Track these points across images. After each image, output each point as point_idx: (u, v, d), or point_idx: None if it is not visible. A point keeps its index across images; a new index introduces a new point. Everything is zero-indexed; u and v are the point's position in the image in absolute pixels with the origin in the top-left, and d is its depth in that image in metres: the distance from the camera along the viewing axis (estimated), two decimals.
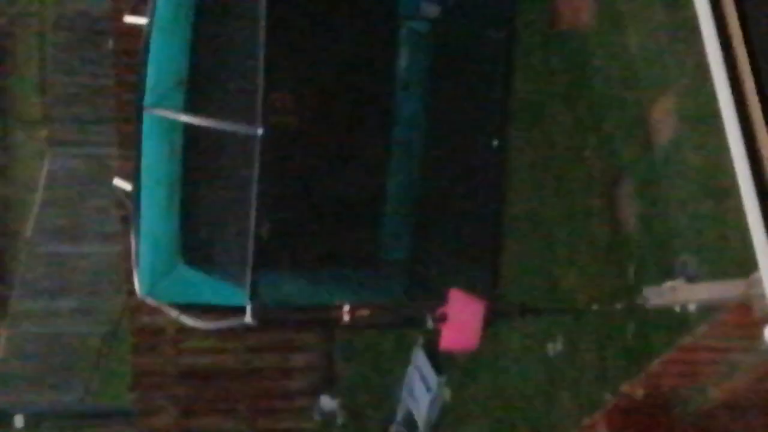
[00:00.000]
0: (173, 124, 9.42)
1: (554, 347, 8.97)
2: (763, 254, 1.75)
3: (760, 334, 5.67)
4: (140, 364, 11.21)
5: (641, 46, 8.59)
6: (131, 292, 9.86)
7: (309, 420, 11.25)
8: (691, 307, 7.61)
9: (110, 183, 10.46)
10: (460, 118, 9.59)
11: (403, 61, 9.52)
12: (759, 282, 4.98)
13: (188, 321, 9.40)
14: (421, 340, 9.87)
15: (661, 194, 8.26)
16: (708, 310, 7.31)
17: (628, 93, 8.72)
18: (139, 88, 9.52)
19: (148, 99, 9.40)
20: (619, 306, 8.30)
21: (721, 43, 2.36)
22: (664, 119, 8.19)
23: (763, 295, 5.13)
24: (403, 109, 9.57)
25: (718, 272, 7.14)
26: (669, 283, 7.73)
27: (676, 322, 7.77)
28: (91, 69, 13.40)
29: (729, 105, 2.18)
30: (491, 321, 9.00)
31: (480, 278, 9.30)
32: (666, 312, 7.88)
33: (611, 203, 8.69)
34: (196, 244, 9.55)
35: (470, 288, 9.05)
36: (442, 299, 8.99)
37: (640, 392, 7.36)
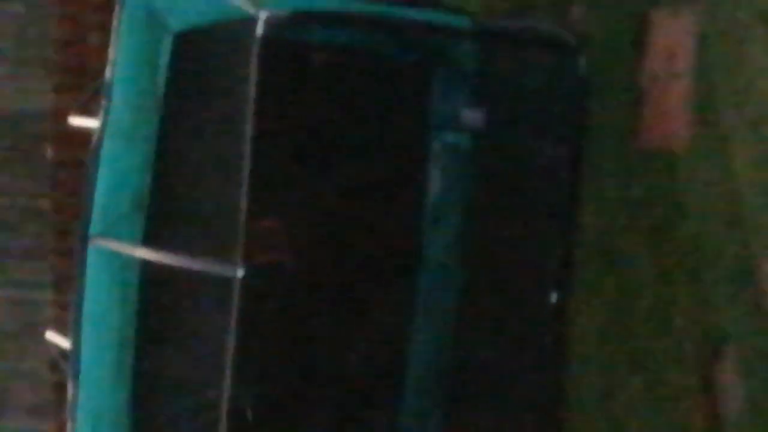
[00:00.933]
0: (127, 260, 8.42)
1: None
2: None
3: None
4: None
5: (754, 173, 8.00)
6: None
7: None
8: None
9: (42, 337, 9.43)
10: (507, 264, 8.36)
11: (435, 185, 8.35)
12: None
13: None
14: None
15: None
16: None
17: (733, 236, 8.02)
18: (84, 213, 8.51)
19: (95, 227, 8.35)
20: None
21: None
22: None
23: None
24: (433, 249, 8.32)
25: None
26: None
27: None
28: (25, 185, 12.64)
29: None
30: None
31: None
32: None
33: (708, 383, 8.07)
34: (150, 424, 8.39)
35: None
36: None
37: None
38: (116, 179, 8.37)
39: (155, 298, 8.54)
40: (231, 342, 7.46)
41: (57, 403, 10.07)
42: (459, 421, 8.54)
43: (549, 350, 8.35)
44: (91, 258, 8.37)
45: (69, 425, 8.59)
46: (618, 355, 8.70)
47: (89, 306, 8.38)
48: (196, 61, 8.40)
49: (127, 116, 8.38)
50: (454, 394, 8.52)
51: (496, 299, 8.53)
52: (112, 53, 8.43)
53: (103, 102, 8.33)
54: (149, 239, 8.38)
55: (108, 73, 8.37)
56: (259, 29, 7.55)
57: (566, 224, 8.37)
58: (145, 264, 8.37)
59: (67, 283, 9.46)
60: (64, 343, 8.68)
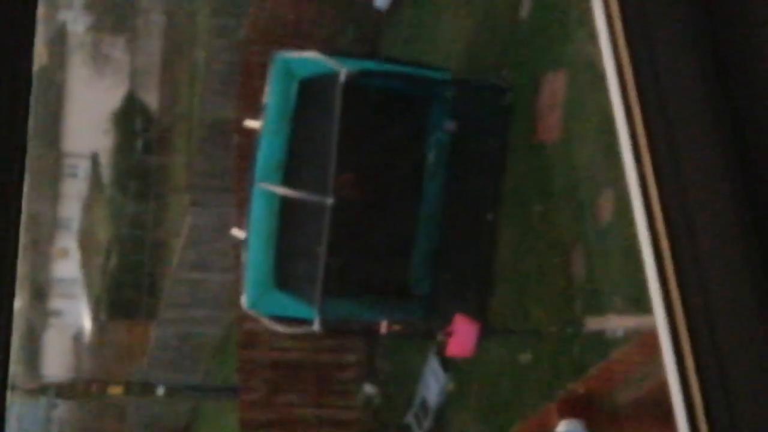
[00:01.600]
0: (273, 194, 9.40)
1: (525, 357, 8.84)
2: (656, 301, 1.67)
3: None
4: (244, 356, 11.13)
5: (591, 155, 8.37)
6: (240, 307, 9.75)
7: (355, 400, 11.07)
8: (619, 333, 7.53)
9: (230, 233, 10.38)
10: (467, 200, 9.49)
11: (430, 158, 9.41)
12: None
13: (277, 327, 9.38)
14: (434, 348, 9.75)
15: (601, 256, 8.16)
16: (630, 335, 7.24)
17: (582, 187, 8.58)
18: (252, 169, 9.53)
19: (257, 177, 9.41)
20: (569, 330, 8.18)
21: (633, 157, 2.25)
22: (605, 206, 8.09)
23: None
24: (429, 191, 9.45)
25: (637, 309, 7.00)
26: (604, 316, 7.70)
27: (608, 342, 7.66)
28: (222, 155, 13.29)
29: (639, 205, 2.10)
30: (482, 337, 8.91)
31: (476, 308, 9.20)
32: (601, 335, 7.79)
33: (568, 261, 8.57)
34: (284, 275, 9.47)
35: (469, 314, 8.96)
36: (450, 321, 8.93)
37: (582, 389, 7.33)
38: (268, 153, 9.32)
39: (287, 214, 9.37)
40: (324, 234, 8.69)
41: (236, 266, 10.63)
42: (440, 280, 9.48)
43: (487, 243, 9.32)
44: (255, 193, 9.36)
45: (242, 275, 9.51)
46: (522, 246, 9.18)
47: (253, 217, 9.37)
48: (310, 95, 9.29)
49: (275, 121, 9.29)
50: (439, 266, 9.48)
51: (462, 217, 9.53)
52: (266, 89, 9.34)
53: (263, 114, 9.33)
54: (285, 183, 9.26)
55: (265, 99, 9.33)
56: (342, 78, 8.74)
57: (497, 180, 9.36)
58: (282, 197, 9.30)
59: (243, 205, 10.00)
60: (241, 235, 9.57)
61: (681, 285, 1.92)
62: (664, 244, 2.00)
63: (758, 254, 2.13)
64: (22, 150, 1.94)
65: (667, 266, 2.00)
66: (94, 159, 19.77)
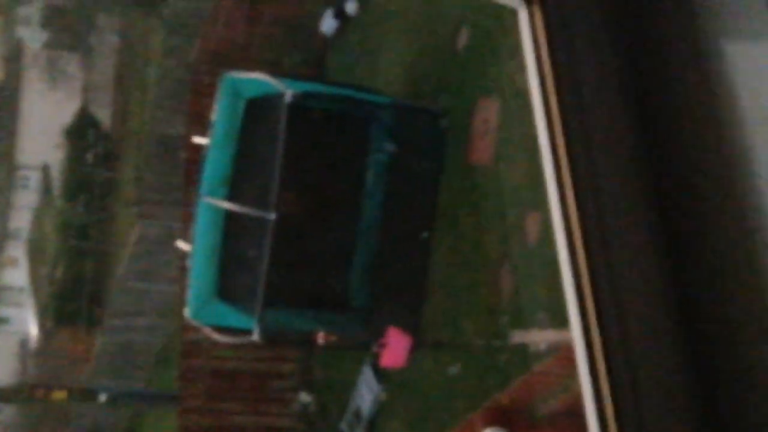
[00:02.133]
0: (218, 208, 9.31)
1: (454, 369, 8.80)
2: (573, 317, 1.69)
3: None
4: (184, 365, 10.99)
5: (520, 178, 8.36)
6: (183, 316, 9.64)
7: (291, 408, 10.93)
8: (542, 347, 7.53)
9: (175, 245, 10.23)
10: (404, 218, 9.46)
11: (370, 177, 9.34)
12: None
13: (217, 337, 9.29)
14: (369, 359, 9.76)
15: (527, 274, 8.14)
16: (552, 348, 7.25)
17: (511, 208, 8.55)
18: (199, 184, 9.43)
19: (203, 191, 9.33)
20: (495, 343, 8.16)
21: (555, 182, 2.29)
22: (532, 227, 8.12)
23: None
24: (367, 208, 9.42)
25: (558, 324, 7.01)
26: (528, 330, 7.66)
27: (531, 355, 7.68)
28: (170, 170, 13.11)
29: (560, 227, 2.13)
30: (414, 349, 8.94)
31: (410, 321, 9.17)
32: (525, 348, 7.79)
33: (496, 278, 8.55)
34: (226, 287, 9.39)
35: (403, 326, 8.96)
36: (384, 333, 8.93)
37: (505, 400, 7.26)
38: (214, 168, 9.21)
39: (231, 227, 9.27)
40: (267, 248, 8.53)
41: (180, 277, 10.59)
42: (377, 295, 9.35)
43: (421, 260, 9.28)
44: (201, 207, 9.23)
45: (186, 286, 9.32)
46: (454, 262, 9.15)
47: (198, 230, 9.24)
48: (256, 114, 9.21)
49: (221, 138, 9.18)
50: (377, 281, 9.38)
51: (398, 231, 9.42)
52: (214, 107, 9.23)
53: (210, 131, 9.20)
54: (229, 198, 9.13)
55: (212, 117, 9.21)
56: (287, 99, 8.65)
57: (432, 200, 9.33)
58: (227, 211, 9.16)
59: (189, 218, 9.83)
60: (186, 247, 9.42)
61: (596, 302, 1.92)
62: (582, 262, 2.01)
63: (670, 274, 2.13)
64: None
65: (584, 284, 2.00)
66: (45, 171, 19.72)
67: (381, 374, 9.65)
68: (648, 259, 2.10)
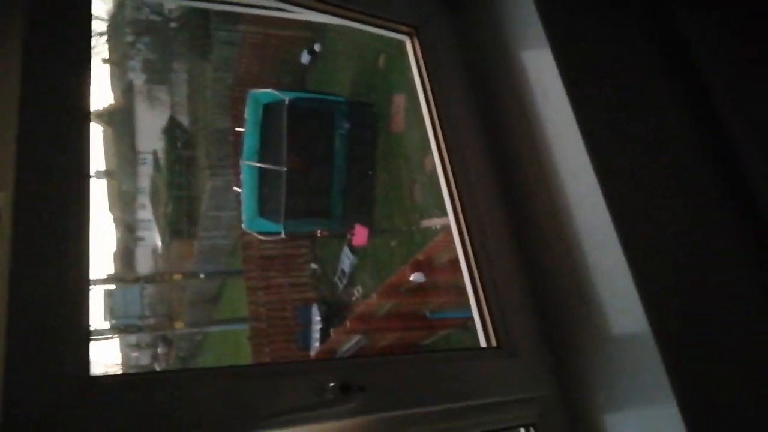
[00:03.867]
0: (253, 167, 10.37)
1: (393, 243, 9.65)
2: (450, 210, 1.91)
3: None
4: (245, 254, 11.70)
5: (420, 138, 9.35)
6: (241, 228, 10.38)
7: (307, 272, 12.18)
8: (437, 227, 8.20)
9: (233, 189, 10.99)
10: (358, 164, 10.55)
11: (336, 143, 10.52)
12: None
13: (261, 237, 10.51)
14: (346, 242, 10.91)
15: (427, 189, 8.88)
16: (442, 228, 7.87)
17: (415, 154, 9.67)
18: (241, 154, 10.47)
19: (244, 157, 10.42)
20: (414, 227, 9.09)
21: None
22: (429, 164, 9.00)
23: None
24: (337, 160, 10.49)
25: (443, 214, 5.32)
26: (431, 219, 8.30)
27: (431, 232, 8.38)
28: (225, 148, 13.90)
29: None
30: (370, 235, 10.32)
31: (366, 220, 10.42)
32: (429, 229, 8.64)
33: (411, 191, 9.79)
34: (263, 209, 10.41)
35: (363, 223, 10.31)
36: (353, 227, 10.24)
37: (422, 257, 7.72)
38: (249, 144, 10.25)
39: (262, 176, 9.80)
40: (283, 188, 9.13)
41: (238, 206, 10.73)
42: (347, 207, 10.37)
43: (370, 187, 10.43)
44: (244, 167, 9.92)
45: (242, 211, 9.55)
46: (387, 188, 9.99)
47: (244, 180, 9.95)
48: (270, 112, 10.15)
49: (252, 127, 10.18)
50: (345, 197, 10.41)
51: (356, 171, 10.46)
52: (245, 110, 10.15)
53: (244, 124, 10.09)
54: (259, 160, 9.93)
55: (245, 116, 10.19)
56: (286, 103, 9.77)
57: (373, 153, 10.43)
58: (259, 168, 9.81)
59: (238, 174, 10.44)
60: (239, 190, 9.61)
61: (461, 202, 2.03)
62: (453, 186, 2.05)
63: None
64: None
65: (454, 193, 2.11)
66: (155, 154, 21.80)
67: (353, 249, 10.84)
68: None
